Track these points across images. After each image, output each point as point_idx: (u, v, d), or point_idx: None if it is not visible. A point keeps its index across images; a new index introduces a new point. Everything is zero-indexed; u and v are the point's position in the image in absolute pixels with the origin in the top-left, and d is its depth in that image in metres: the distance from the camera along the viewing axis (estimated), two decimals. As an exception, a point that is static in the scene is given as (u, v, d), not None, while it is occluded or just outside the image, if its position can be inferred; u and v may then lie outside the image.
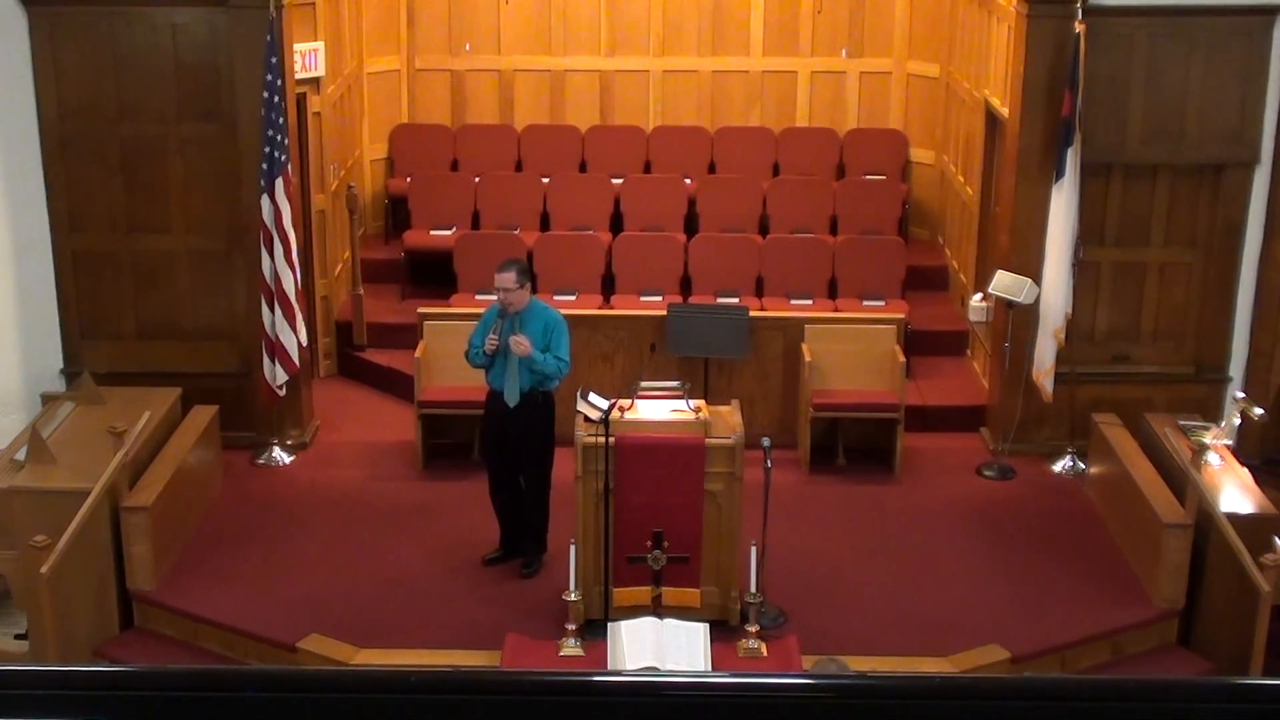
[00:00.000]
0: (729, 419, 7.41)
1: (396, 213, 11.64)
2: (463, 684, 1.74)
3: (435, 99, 12.19)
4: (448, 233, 11.00)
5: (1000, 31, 9.69)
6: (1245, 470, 8.22)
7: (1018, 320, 9.01)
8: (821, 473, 9.12)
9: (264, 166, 8.52)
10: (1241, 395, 8.68)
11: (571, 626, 6.99)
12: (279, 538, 8.27)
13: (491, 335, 7.49)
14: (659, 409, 7.36)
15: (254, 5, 8.50)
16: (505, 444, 7.74)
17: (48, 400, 8.89)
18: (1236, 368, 9.30)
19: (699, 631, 6.79)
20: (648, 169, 11.84)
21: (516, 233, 10.83)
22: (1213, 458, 8.19)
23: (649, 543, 7.04)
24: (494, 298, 10.07)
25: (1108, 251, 9.21)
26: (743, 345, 9.15)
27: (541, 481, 7.78)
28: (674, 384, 7.55)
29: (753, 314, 9.35)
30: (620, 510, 7.13)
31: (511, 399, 7.56)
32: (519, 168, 11.84)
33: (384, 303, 10.71)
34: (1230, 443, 8.41)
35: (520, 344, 7.45)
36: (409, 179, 11.47)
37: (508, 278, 7.54)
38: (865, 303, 10.16)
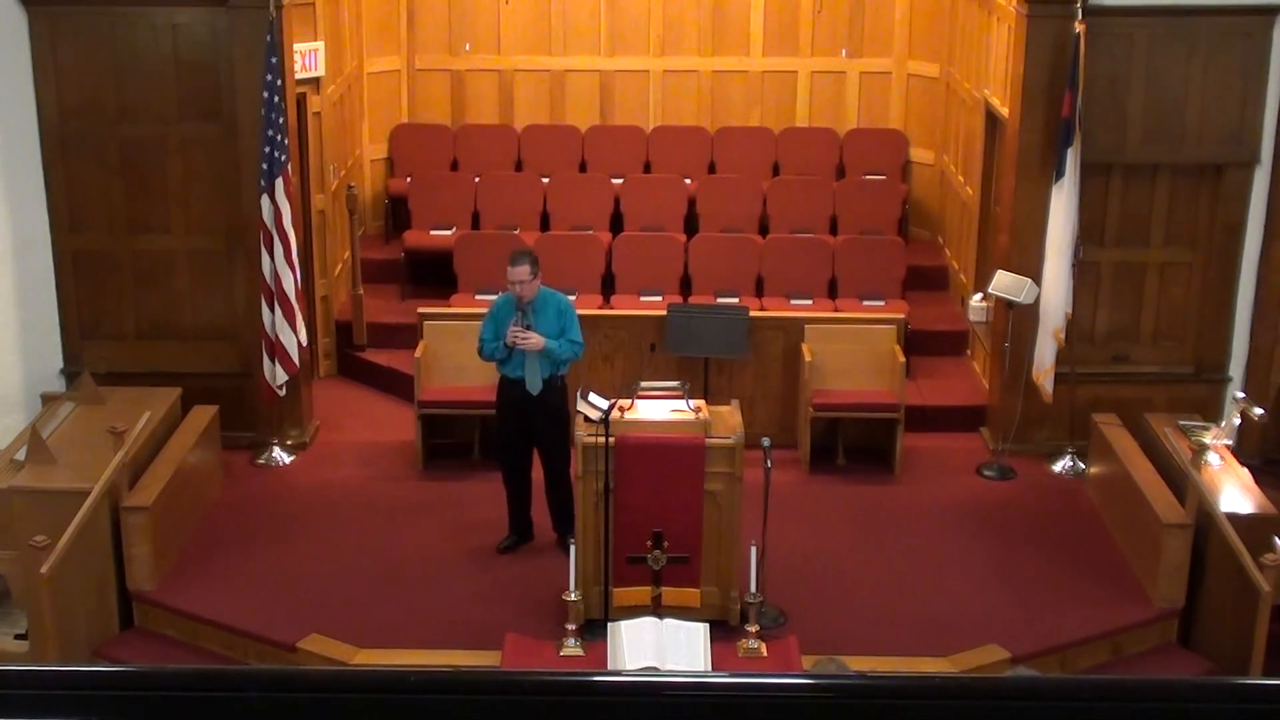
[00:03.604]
0: (729, 419, 7.40)
1: (396, 213, 11.64)
2: (463, 684, 1.74)
3: (435, 99, 12.19)
4: (448, 233, 11.00)
5: (1000, 31, 9.69)
6: (1245, 470, 8.22)
7: (1018, 320, 9.01)
8: (821, 473, 9.11)
9: (264, 166, 8.52)
10: (1241, 395, 8.68)
11: (571, 626, 6.99)
12: (279, 538, 8.27)
13: (513, 327, 7.55)
14: (659, 409, 7.37)
15: (254, 5, 8.50)
16: (526, 431, 7.80)
17: (48, 400, 8.89)
18: (1236, 368, 9.30)
19: (699, 631, 6.79)
20: (648, 169, 11.84)
21: (516, 233, 10.83)
22: (1213, 458, 8.19)
23: (649, 543, 7.05)
24: (494, 297, 10.12)
25: (1108, 251, 9.21)
26: (743, 345, 9.15)
27: (565, 461, 7.84)
28: (674, 384, 7.55)
29: (753, 314, 9.35)
30: (620, 510, 7.13)
31: (534, 388, 7.66)
32: (519, 168, 11.84)
33: (384, 303, 10.71)
34: (1230, 443, 8.40)
35: (528, 340, 7.52)
36: (409, 179, 11.47)
37: (522, 271, 7.61)
38: (865, 303, 10.16)
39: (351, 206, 10.40)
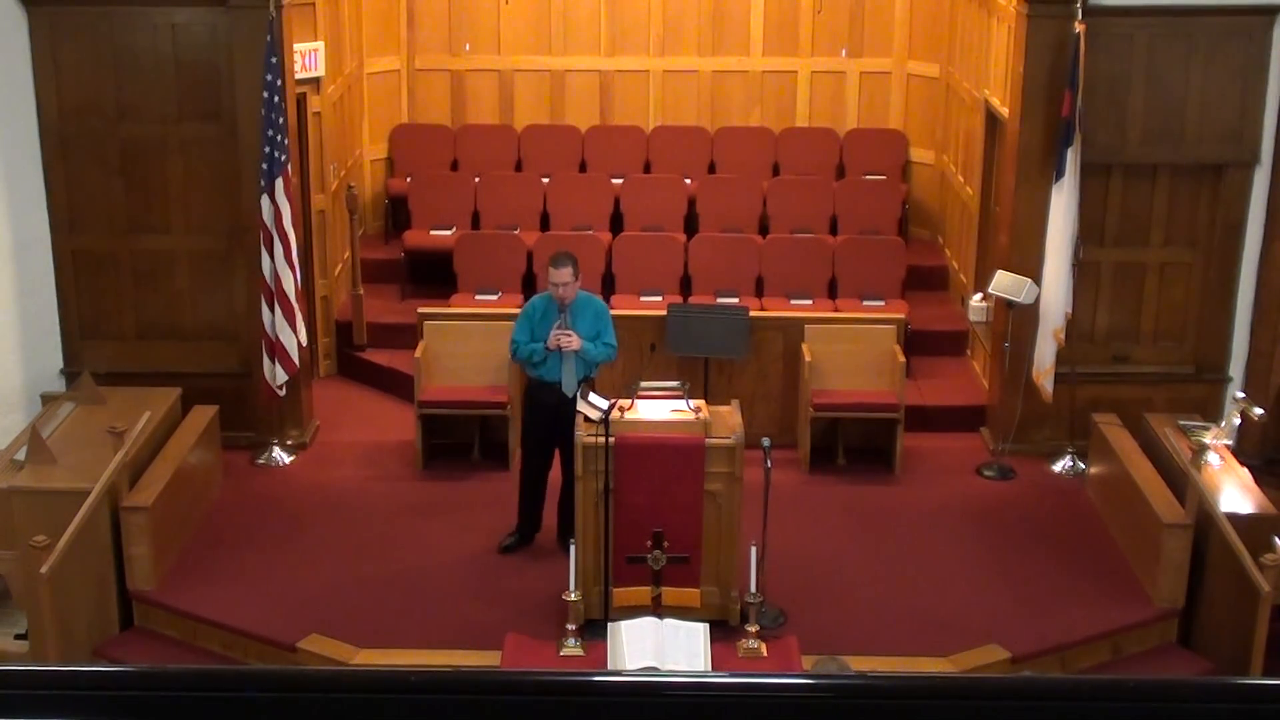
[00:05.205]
0: (729, 419, 7.40)
1: (396, 213, 11.64)
2: (463, 684, 1.74)
3: (435, 99, 12.19)
4: (448, 233, 11.01)
5: (1000, 31, 9.69)
6: (1245, 470, 8.23)
7: (1018, 320, 9.01)
8: (821, 473, 9.11)
9: (264, 166, 8.52)
10: (1241, 395, 8.68)
11: (571, 626, 6.99)
12: (279, 538, 8.27)
13: (559, 331, 7.59)
14: (659, 409, 7.36)
15: (254, 5, 8.50)
16: (553, 433, 7.77)
17: (48, 400, 8.89)
18: (1236, 368, 9.30)
19: (699, 631, 6.79)
20: (648, 169, 11.83)
21: (516, 233, 10.83)
22: (1213, 458, 8.19)
23: (649, 543, 7.04)
24: (492, 297, 10.14)
25: (1108, 251, 9.21)
26: (742, 345, 9.15)
27: None
28: (674, 384, 7.55)
29: (753, 314, 9.35)
30: (620, 510, 7.13)
31: (570, 389, 7.65)
32: (519, 168, 11.84)
33: (384, 303, 10.71)
34: (1230, 443, 8.40)
35: (570, 340, 7.57)
36: (409, 179, 11.47)
37: (565, 273, 7.64)
38: (865, 303, 10.16)
39: (351, 206, 10.40)
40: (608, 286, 10.45)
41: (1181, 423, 8.62)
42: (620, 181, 11.43)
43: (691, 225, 11.21)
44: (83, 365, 9.12)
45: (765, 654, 6.98)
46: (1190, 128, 8.91)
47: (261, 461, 9.14)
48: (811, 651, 6.88)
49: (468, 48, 12.12)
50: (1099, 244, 9.12)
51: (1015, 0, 8.99)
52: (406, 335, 9.62)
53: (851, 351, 9.16)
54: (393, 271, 11.05)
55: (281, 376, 8.82)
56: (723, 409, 7.57)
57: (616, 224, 11.25)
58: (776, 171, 11.79)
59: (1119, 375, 9.34)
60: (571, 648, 6.94)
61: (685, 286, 10.45)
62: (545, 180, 11.42)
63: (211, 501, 8.65)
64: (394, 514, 8.54)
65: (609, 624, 6.92)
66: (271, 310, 8.71)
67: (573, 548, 7.05)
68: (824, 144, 11.92)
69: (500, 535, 8.14)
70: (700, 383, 8.97)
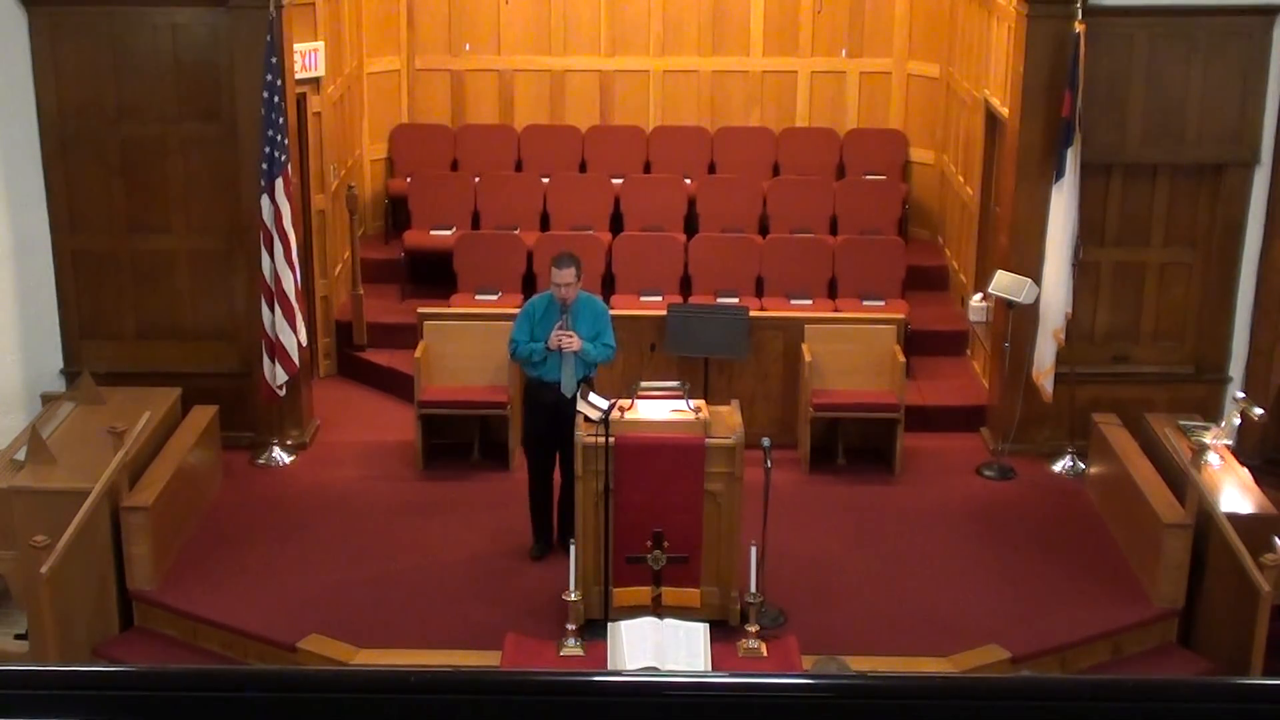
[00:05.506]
0: (729, 419, 7.40)
1: (396, 213, 11.64)
2: (463, 684, 1.74)
3: (435, 99, 12.19)
4: (448, 233, 11.00)
5: (1000, 31, 9.69)
6: (1245, 470, 8.23)
7: (1018, 320, 9.01)
8: (821, 473, 9.11)
9: (264, 166, 8.52)
10: (1241, 395, 8.68)
11: (571, 626, 6.99)
12: (279, 538, 8.27)
13: (560, 331, 7.60)
14: (659, 409, 7.37)
15: (254, 5, 8.50)
16: (556, 433, 7.76)
17: (48, 400, 8.90)
18: (1236, 368, 9.30)
19: (699, 631, 6.79)
20: (648, 169, 11.83)
21: (516, 233, 10.83)
22: (1213, 458, 8.19)
23: (649, 543, 7.05)
24: (492, 297, 10.15)
25: (1108, 251, 9.21)
26: (742, 345, 9.15)
27: None
28: (674, 384, 7.55)
29: (753, 314, 9.35)
30: (620, 510, 7.13)
31: (569, 390, 7.65)
32: (519, 168, 11.84)
33: (384, 303, 10.70)
34: (1230, 443, 8.40)
35: (571, 341, 7.58)
36: (409, 179, 11.47)
37: (569, 274, 7.65)
38: (865, 303, 10.16)
39: (351, 206, 10.40)
40: (608, 286, 10.45)
41: (1181, 423, 8.62)
42: (620, 181, 11.43)
43: (691, 225, 11.21)
44: (83, 365, 9.12)
45: (765, 654, 6.98)
46: (1190, 128, 8.91)
47: (261, 461, 9.14)
48: (811, 651, 6.88)
49: (468, 48, 12.12)
50: (1099, 244, 9.12)
51: (1015, 0, 8.99)
52: (406, 335, 9.62)
53: (851, 351, 9.16)
54: (393, 271, 11.05)
55: (281, 376, 8.82)
56: (723, 409, 7.57)
57: (616, 224, 11.24)
58: (776, 171, 11.79)
59: (1119, 375, 9.34)
60: (571, 648, 6.94)
61: (685, 286, 10.45)
62: (545, 180, 11.42)
63: (211, 501, 8.65)
64: (394, 514, 8.54)
65: (609, 624, 6.92)
66: (271, 310, 8.71)
67: (573, 548, 7.05)
68: (824, 144, 11.92)
69: (500, 536, 8.15)
70: (700, 383, 8.97)
